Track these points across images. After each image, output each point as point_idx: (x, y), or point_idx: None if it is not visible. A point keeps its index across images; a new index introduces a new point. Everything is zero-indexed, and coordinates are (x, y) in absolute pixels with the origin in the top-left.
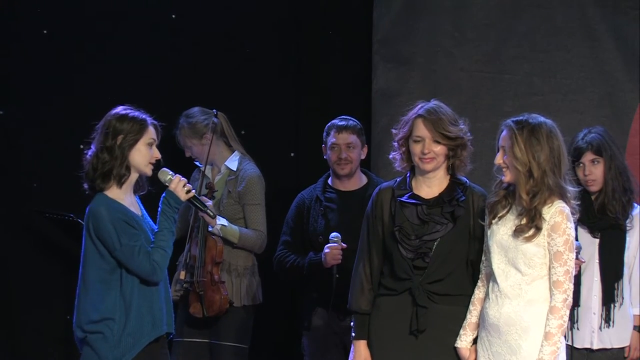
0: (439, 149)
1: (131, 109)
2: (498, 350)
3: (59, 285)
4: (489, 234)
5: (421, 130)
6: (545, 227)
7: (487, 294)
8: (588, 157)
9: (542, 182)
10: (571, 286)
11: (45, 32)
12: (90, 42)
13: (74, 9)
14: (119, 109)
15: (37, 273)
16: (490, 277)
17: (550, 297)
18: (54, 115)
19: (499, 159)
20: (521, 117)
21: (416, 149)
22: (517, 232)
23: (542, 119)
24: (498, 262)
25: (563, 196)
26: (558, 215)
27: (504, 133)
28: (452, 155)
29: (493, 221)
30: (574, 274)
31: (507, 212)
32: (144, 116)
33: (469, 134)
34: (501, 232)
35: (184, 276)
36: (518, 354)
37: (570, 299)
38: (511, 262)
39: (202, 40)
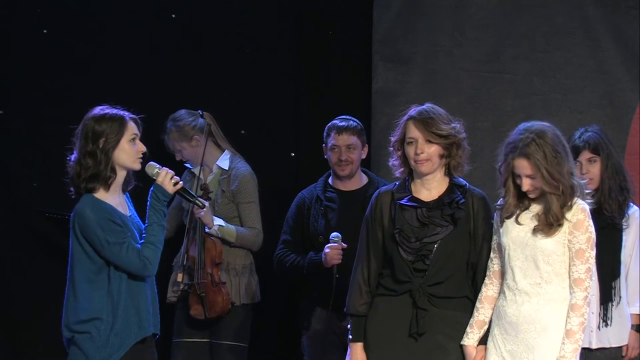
0: (433, 150)
1: (108, 108)
2: (514, 348)
3: (59, 285)
4: (501, 231)
5: (413, 131)
6: (566, 224)
7: (502, 292)
8: (585, 155)
9: (569, 190)
10: (591, 284)
11: (45, 32)
12: (90, 42)
13: (73, 9)
14: (96, 110)
15: (37, 273)
16: (505, 274)
17: (570, 294)
18: (54, 115)
19: (527, 187)
20: (529, 137)
21: (410, 150)
22: (537, 228)
23: (545, 127)
24: (515, 259)
25: (580, 194)
26: (580, 213)
27: (524, 163)
28: (447, 155)
29: (507, 220)
30: (593, 271)
31: (523, 211)
32: (121, 113)
33: (463, 133)
34: (517, 229)
35: (182, 278)
36: (536, 352)
37: (590, 297)
38: (529, 260)
39: (202, 40)
